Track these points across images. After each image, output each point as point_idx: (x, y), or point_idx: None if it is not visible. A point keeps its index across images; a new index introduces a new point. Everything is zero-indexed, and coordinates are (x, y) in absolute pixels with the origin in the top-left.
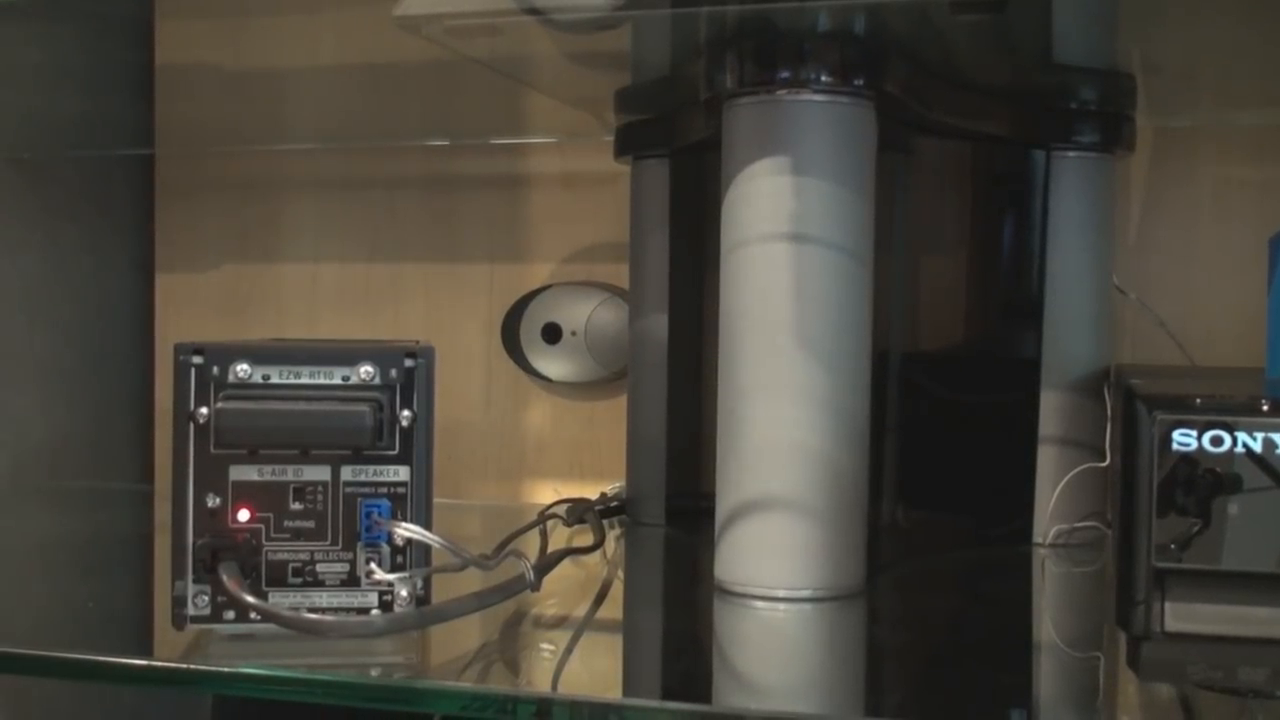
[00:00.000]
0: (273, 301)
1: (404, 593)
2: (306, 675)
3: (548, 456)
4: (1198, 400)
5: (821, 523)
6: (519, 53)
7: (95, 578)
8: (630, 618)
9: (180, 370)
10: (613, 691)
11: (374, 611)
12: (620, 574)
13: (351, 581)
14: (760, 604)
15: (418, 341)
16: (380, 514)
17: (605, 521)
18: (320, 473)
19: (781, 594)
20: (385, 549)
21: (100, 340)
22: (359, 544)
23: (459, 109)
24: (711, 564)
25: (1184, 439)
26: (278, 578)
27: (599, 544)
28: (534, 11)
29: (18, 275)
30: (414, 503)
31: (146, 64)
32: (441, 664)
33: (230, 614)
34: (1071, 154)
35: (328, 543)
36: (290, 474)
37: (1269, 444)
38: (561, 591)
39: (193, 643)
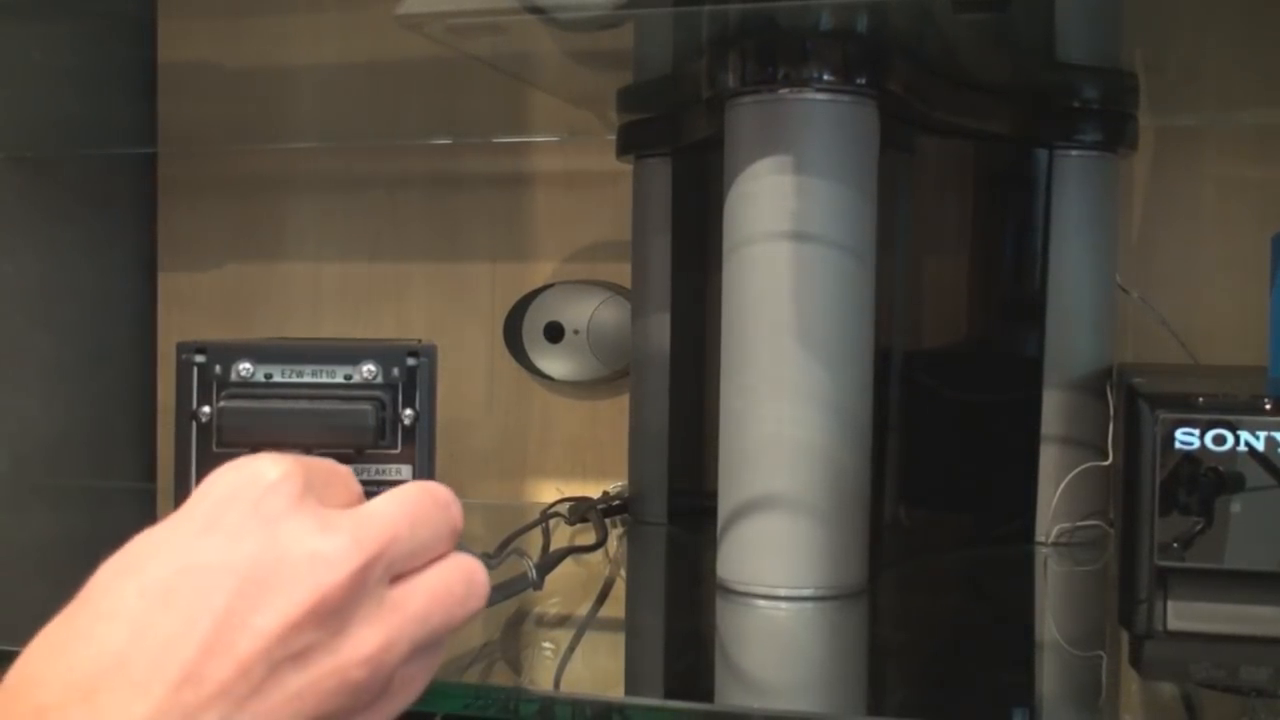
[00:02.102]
0: (275, 300)
1: None
2: None
3: (550, 455)
4: (1200, 399)
5: (824, 521)
6: (521, 51)
7: None
8: (633, 616)
9: (182, 369)
10: (615, 690)
11: None
12: (622, 573)
13: None
14: (762, 603)
15: (420, 340)
16: None
17: (607, 520)
18: None
19: (783, 593)
20: None
21: (102, 339)
22: None
23: (461, 108)
24: (714, 563)
25: (1186, 438)
26: None
27: (601, 543)
28: (536, 10)
29: (20, 274)
30: None
31: (149, 63)
32: (444, 662)
33: None
34: (1074, 153)
35: None
36: None
37: (1271, 443)
38: (564, 590)
39: None
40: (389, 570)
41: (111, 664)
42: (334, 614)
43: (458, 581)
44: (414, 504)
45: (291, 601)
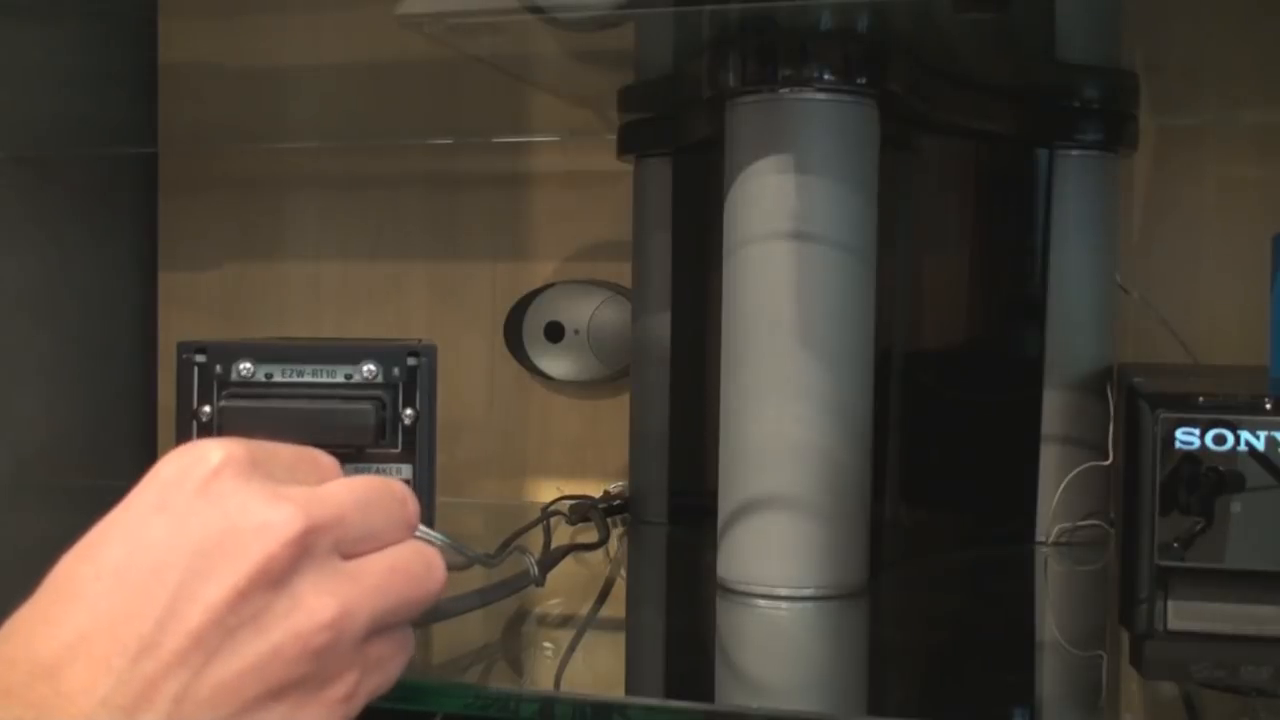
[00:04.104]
0: (275, 300)
1: None
2: None
3: (550, 455)
4: (1201, 399)
5: (824, 521)
6: (521, 51)
7: None
8: (633, 616)
9: (183, 369)
10: (616, 690)
11: None
12: (623, 572)
13: None
14: (763, 602)
15: (420, 340)
16: None
17: (608, 520)
18: None
19: (784, 592)
20: None
21: (102, 338)
22: None
23: (461, 107)
24: (714, 562)
25: (1187, 437)
26: None
27: (602, 542)
28: (536, 10)
29: (20, 273)
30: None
31: (150, 63)
32: (444, 662)
33: None
34: (1074, 152)
35: None
36: None
37: (1272, 442)
38: (564, 590)
39: None
40: (338, 544)
41: (73, 643)
42: (281, 578)
43: (415, 561)
44: (366, 490)
45: (238, 570)
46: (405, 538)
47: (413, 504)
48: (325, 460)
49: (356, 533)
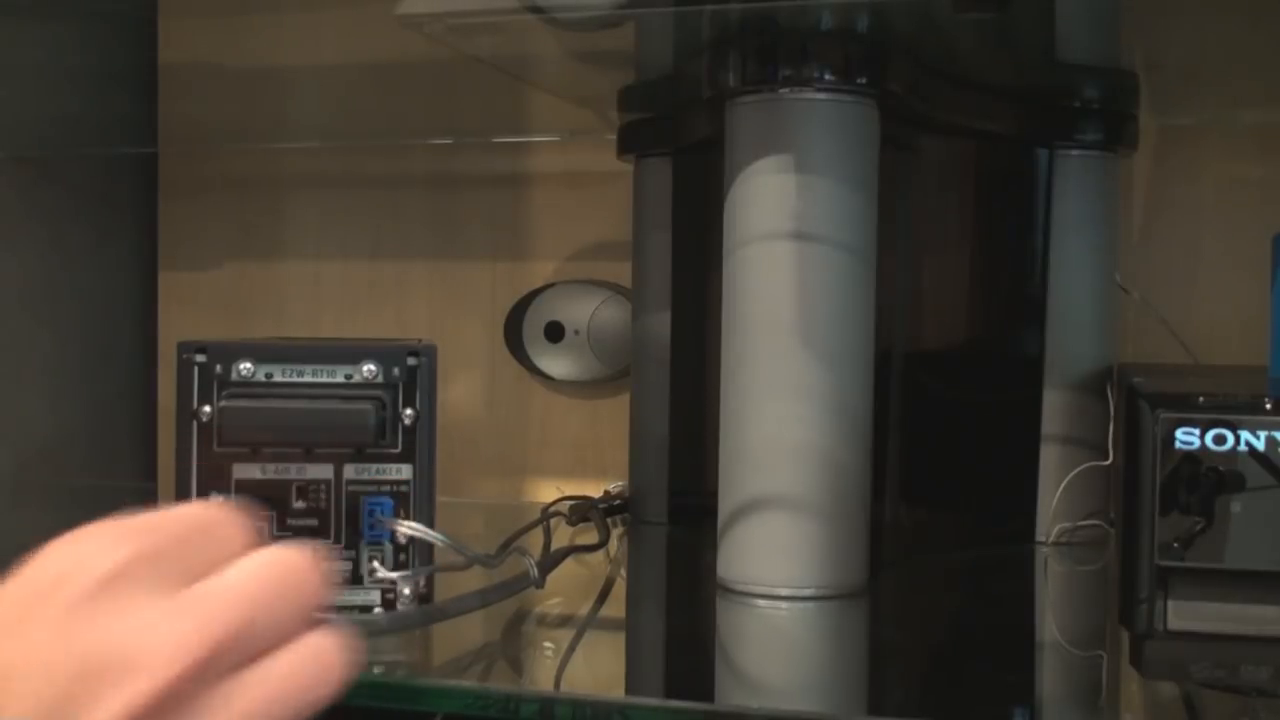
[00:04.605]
0: (275, 300)
1: (407, 591)
2: None
3: (550, 455)
4: (1201, 399)
5: (824, 521)
6: (522, 51)
7: None
8: (633, 616)
9: (183, 368)
10: (616, 690)
11: (377, 610)
12: (623, 572)
13: (355, 580)
14: (763, 602)
15: (420, 340)
16: (383, 512)
17: (608, 520)
18: (323, 471)
19: (784, 592)
20: (388, 547)
21: (103, 338)
22: (362, 542)
23: (462, 107)
24: (714, 562)
25: (1187, 437)
26: None
27: (602, 543)
28: (536, 10)
29: (21, 273)
30: (417, 501)
31: (150, 62)
32: (444, 662)
33: None
34: (1075, 152)
35: (331, 541)
36: (293, 472)
37: (1272, 442)
38: (565, 590)
39: None
40: (239, 657)
41: None
42: (171, 709)
43: (307, 665)
44: (270, 577)
45: (124, 701)
46: (304, 625)
47: (316, 581)
48: (222, 527)
49: (260, 632)
